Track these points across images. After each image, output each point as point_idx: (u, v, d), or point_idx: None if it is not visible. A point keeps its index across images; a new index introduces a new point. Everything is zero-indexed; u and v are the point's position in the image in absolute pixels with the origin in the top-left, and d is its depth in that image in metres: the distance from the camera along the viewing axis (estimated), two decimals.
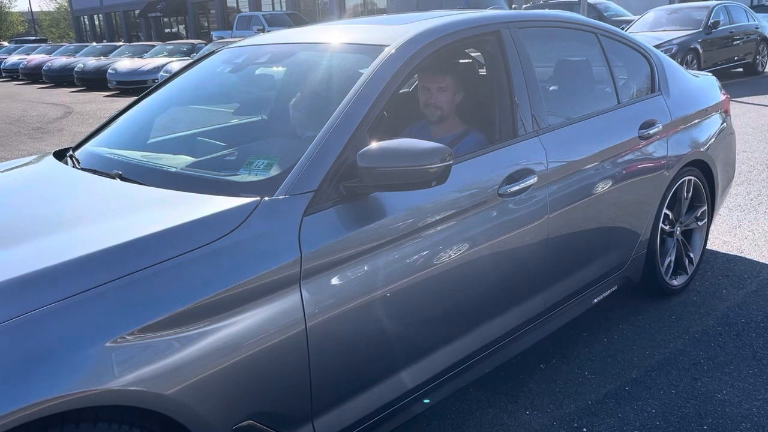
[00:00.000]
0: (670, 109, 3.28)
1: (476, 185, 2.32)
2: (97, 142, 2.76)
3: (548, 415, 2.57)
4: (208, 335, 1.65)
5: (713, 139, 3.59)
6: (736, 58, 12.99)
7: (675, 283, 3.50)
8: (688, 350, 2.99)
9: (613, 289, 3.13)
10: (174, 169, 2.23)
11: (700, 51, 11.78)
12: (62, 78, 20.80)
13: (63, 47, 26.73)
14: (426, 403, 2.28)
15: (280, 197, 1.87)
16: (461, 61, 3.13)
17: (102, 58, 20.95)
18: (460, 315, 2.32)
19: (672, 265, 3.48)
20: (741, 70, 13.59)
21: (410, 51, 2.31)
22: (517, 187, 2.41)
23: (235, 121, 2.81)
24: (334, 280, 1.89)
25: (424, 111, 2.78)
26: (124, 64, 18.09)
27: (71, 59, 21.85)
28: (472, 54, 3.24)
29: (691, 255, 3.59)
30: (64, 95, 17.69)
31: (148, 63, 17.71)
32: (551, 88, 3.02)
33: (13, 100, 16.69)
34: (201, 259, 1.68)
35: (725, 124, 3.78)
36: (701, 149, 3.47)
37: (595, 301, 3.03)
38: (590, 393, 2.69)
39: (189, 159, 2.43)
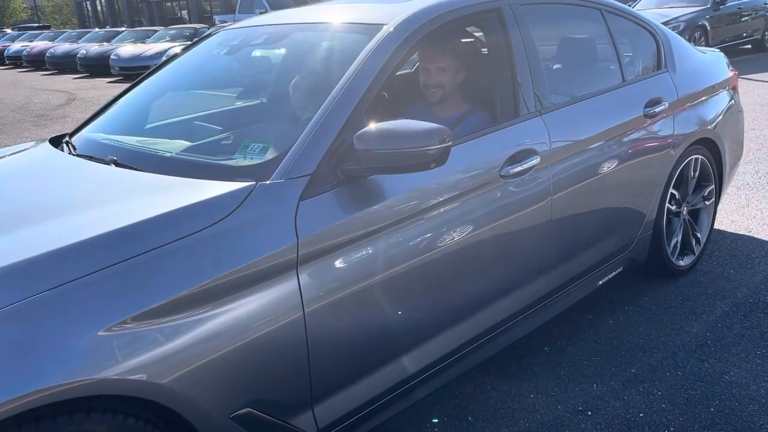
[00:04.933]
0: (676, 87, 3.22)
1: (478, 166, 2.27)
2: (94, 128, 2.72)
3: (553, 398, 2.54)
4: (204, 322, 1.62)
5: (721, 117, 3.52)
6: (744, 35, 12.80)
7: (682, 263, 3.45)
8: (694, 331, 2.95)
9: (619, 270, 3.09)
10: (169, 154, 2.20)
11: (708, 28, 11.61)
12: (65, 64, 20.72)
13: (66, 33, 26.65)
14: (428, 387, 2.26)
15: (276, 181, 1.83)
16: (463, 40, 3.07)
17: (105, 44, 20.86)
18: (463, 299, 2.28)
19: (679, 245, 3.43)
20: (749, 47, 13.39)
21: (409, 29, 2.26)
22: (519, 168, 2.36)
23: (234, 105, 2.77)
24: (332, 266, 1.85)
25: (424, 92, 2.73)
26: (126, 49, 18.00)
27: (74, 45, 21.76)
28: (476, 34, 3.18)
29: (698, 235, 3.54)
30: (68, 82, 17.64)
31: (150, 48, 17.61)
32: (554, 67, 2.96)
33: (17, 88, 16.65)
34: (196, 245, 1.65)
35: (733, 101, 3.70)
36: (708, 127, 3.40)
37: (600, 283, 2.98)
38: (595, 376, 2.66)
39: (186, 144, 2.39)
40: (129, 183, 1.99)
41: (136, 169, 2.07)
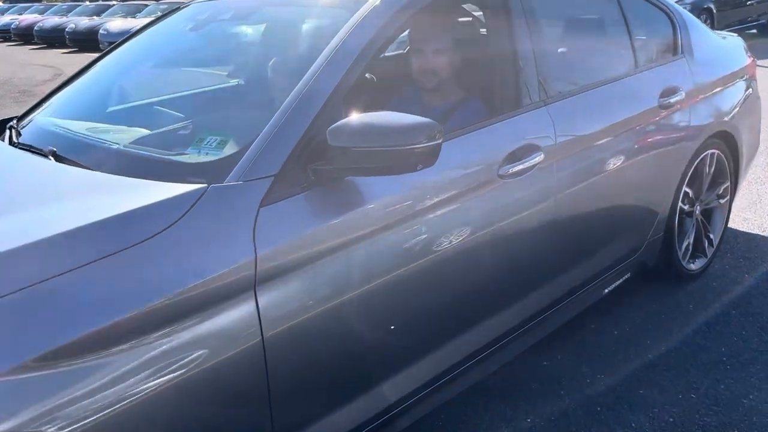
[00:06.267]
0: (693, 74, 2.92)
1: (472, 164, 1.98)
2: (49, 111, 2.41)
3: (552, 423, 2.27)
4: (134, 357, 1.32)
5: (738, 107, 3.23)
6: (749, 18, 12.46)
7: (693, 267, 3.18)
8: (708, 345, 2.68)
9: (627, 276, 2.81)
10: (116, 146, 1.89)
11: (714, 10, 11.29)
12: (54, 39, 20.22)
13: (55, 6, 26.00)
14: (412, 416, 1.99)
15: (232, 184, 1.54)
16: (460, 19, 2.76)
17: (95, 17, 20.35)
18: (452, 316, 2.01)
19: (690, 247, 3.15)
20: (755, 31, 13.05)
21: (399, 3, 1.95)
22: (520, 167, 2.07)
23: (200, 88, 2.46)
24: (298, 283, 1.56)
25: (417, 78, 2.42)
26: (116, 24, 17.54)
27: (63, 19, 21.24)
28: (474, 13, 2.87)
29: (711, 236, 3.26)
30: (55, 56, 17.18)
31: (141, 23, 17.15)
32: (561, 51, 2.65)
33: (3, 62, 16.18)
34: (125, 265, 1.36)
35: (751, 89, 3.41)
36: (726, 119, 3.12)
37: (606, 291, 2.71)
38: (599, 396, 2.39)
39: (142, 132, 2.09)
40: (58, 183, 1.69)
41: (74, 164, 1.77)
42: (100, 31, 17.19)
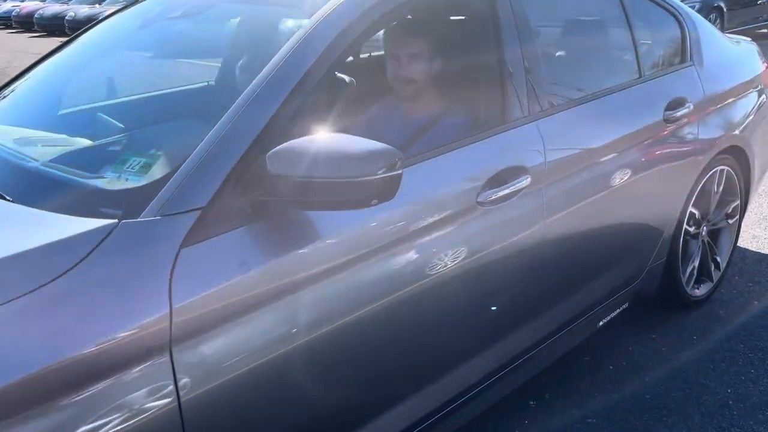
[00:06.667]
0: (703, 84, 2.65)
1: (447, 190, 1.73)
2: None
3: None
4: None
5: (751, 119, 2.96)
6: (761, 17, 12.10)
7: (698, 292, 2.92)
8: (712, 385, 2.42)
9: (624, 307, 2.55)
10: (34, 164, 1.64)
11: (725, 9, 10.94)
12: (54, 26, 19.94)
13: None
14: None
15: (148, 219, 1.29)
16: (440, 19, 2.49)
17: (96, 6, 20.07)
18: (420, 364, 1.75)
19: (695, 271, 2.89)
20: (766, 31, 12.70)
21: (367, 2, 1.69)
22: (503, 192, 1.81)
23: (148, 93, 2.21)
24: (225, 339, 1.31)
25: (393, 85, 2.16)
26: (83, 10, 17.35)
27: (64, 7, 20.94)
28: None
29: (718, 259, 3.00)
30: (54, 45, 16.91)
31: (105, 11, 16.91)
32: (555, 58, 2.39)
33: (1, 51, 15.94)
34: (10, 320, 1.11)
35: (764, 98, 3.13)
36: (736, 132, 2.85)
37: (601, 324, 2.45)
38: None
39: (73, 145, 1.84)
40: None
41: None
42: (66, 17, 17.02)
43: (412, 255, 1.62)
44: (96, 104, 2.20)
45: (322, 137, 1.36)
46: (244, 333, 1.33)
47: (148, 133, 1.86)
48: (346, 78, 2.83)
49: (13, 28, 23.33)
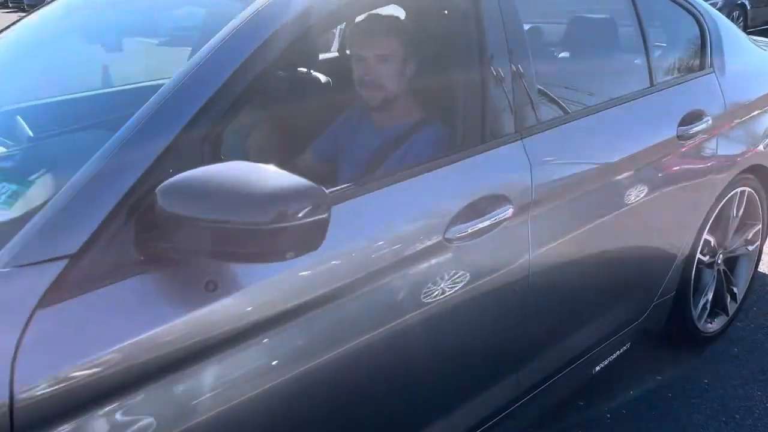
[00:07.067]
0: (724, 95, 2.31)
1: (407, 228, 1.42)
2: None
3: None
4: None
5: None
6: None
7: (710, 327, 2.60)
8: None
9: (625, 348, 2.23)
10: None
11: (748, 8, 10.50)
12: (23, 2, 19.70)
13: None
14: None
15: None
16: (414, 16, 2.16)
17: None
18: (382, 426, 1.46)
19: (708, 305, 2.57)
20: None
21: None
22: (479, 226, 1.50)
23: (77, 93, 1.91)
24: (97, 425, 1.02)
25: (360, 91, 1.85)
26: None
27: None
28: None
29: (735, 290, 2.67)
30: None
31: None
32: (552, 60, 2.06)
33: None
34: None
35: None
36: (760, 148, 2.52)
37: (597, 369, 2.14)
38: None
39: None
40: None
41: None
42: None
43: (359, 306, 1.32)
44: (19, 105, 1.91)
45: (226, 167, 1.05)
46: (118, 423, 1.03)
47: (43, 147, 1.56)
48: (322, 77, 2.52)
49: (9, 8, 23.07)
